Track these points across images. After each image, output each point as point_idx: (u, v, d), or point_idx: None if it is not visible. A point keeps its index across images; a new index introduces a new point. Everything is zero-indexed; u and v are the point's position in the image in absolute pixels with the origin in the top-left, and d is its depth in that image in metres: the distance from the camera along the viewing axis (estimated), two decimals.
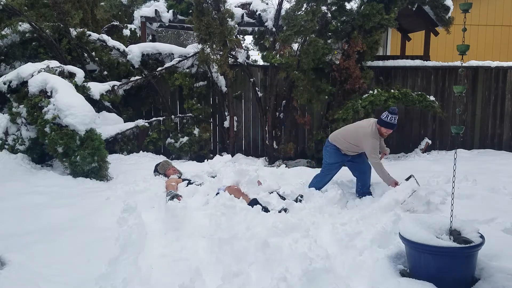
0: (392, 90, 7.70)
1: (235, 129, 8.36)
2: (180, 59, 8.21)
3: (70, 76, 6.74)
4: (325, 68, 7.84)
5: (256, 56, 9.46)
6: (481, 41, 12.29)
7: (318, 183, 5.23)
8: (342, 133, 5.18)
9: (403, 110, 8.57)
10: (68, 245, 3.49)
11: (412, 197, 4.35)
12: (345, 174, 5.49)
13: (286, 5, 7.98)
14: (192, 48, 8.28)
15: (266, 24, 8.28)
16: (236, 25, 7.85)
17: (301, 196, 4.83)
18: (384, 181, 4.90)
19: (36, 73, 6.21)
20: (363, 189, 5.11)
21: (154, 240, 3.77)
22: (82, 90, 6.73)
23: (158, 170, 6.06)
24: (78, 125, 5.64)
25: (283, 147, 8.08)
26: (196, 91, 8.24)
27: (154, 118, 8.24)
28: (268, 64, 8.00)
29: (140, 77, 8.10)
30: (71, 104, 5.72)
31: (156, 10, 8.73)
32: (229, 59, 7.88)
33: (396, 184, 4.71)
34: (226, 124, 8.38)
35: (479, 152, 8.38)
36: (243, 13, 8.60)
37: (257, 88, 8.26)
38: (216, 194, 4.71)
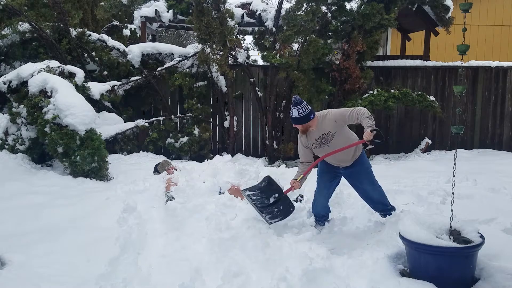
0: (392, 90, 7.71)
1: (235, 129, 8.36)
2: (180, 59, 8.21)
3: (70, 76, 6.74)
4: (325, 68, 7.85)
5: (256, 56, 9.47)
6: (481, 41, 12.28)
7: (313, 205, 4.19)
8: None
9: (403, 110, 8.57)
10: (68, 245, 3.49)
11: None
12: None
13: (286, 5, 7.99)
14: (192, 48, 8.28)
15: (266, 24, 8.28)
16: (236, 25, 7.85)
17: (301, 196, 4.82)
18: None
19: (36, 73, 6.20)
20: (378, 210, 4.12)
21: (154, 240, 3.77)
22: (82, 90, 6.73)
23: (158, 169, 6.06)
24: (78, 125, 5.63)
25: (283, 147, 8.08)
26: (196, 91, 8.24)
27: (154, 118, 8.24)
28: (268, 64, 8.01)
29: (140, 77, 8.10)
30: (71, 104, 5.72)
31: (156, 10, 8.72)
32: (229, 59, 7.89)
33: (292, 188, 3.93)
34: (226, 124, 8.38)
35: (479, 152, 8.39)
36: (243, 13, 8.60)
37: (257, 88, 8.26)
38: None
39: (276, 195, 3.92)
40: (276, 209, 3.91)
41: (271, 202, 3.91)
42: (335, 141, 3.76)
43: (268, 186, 3.99)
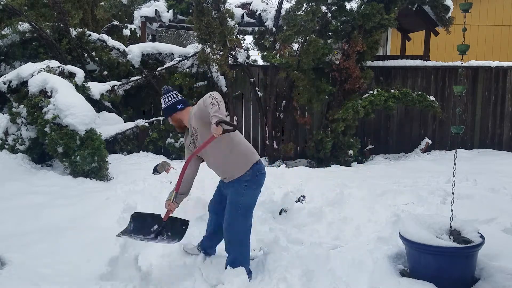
0: (392, 90, 7.71)
1: None
2: (180, 59, 8.21)
3: (70, 76, 6.73)
4: (325, 68, 7.85)
5: (256, 56, 9.47)
6: (481, 41, 12.29)
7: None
8: None
9: (403, 110, 8.58)
10: (68, 245, 3.48)
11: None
12: (346, 175, 5.48)
13: (286, 5, 8.00)
14: (192, 48, 8.28)
15: (266, 24, 8.28)
16: (236, 25, 7.84)
17: (303, 197, 4.83)
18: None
19: (36, 73, 6.20)
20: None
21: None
22: (82, 90, 6.72)
23: (158, 170, 6.07)
24: (78, 125, 5.63)
25: (283, 147, 8.08)
26: (196, 91, 8.24)
27: (154, 118, 8.24)
28: (268, 64, 8.01)
29: (140, 77, 8.10)
30: (71, 104, 5.72)
31: (156, 10, 8.73)
32: (229, 59, 7.88)
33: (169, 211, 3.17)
34: None
35: (479, 152, 8.39)
36: (243, 13, 8.61)
37: (257, 88, 8.26)
38: None
39: (156, 226, 3.20)
40: (165, 235, 3.22)
41: (156, 233, 3.20)
42: (200, 141, 2.99)
43: (139, 222, 3.22)
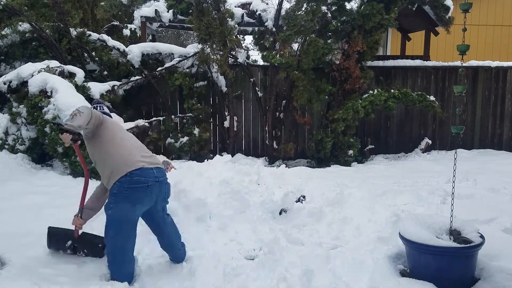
0: (392, 90, 7.72)
1: (235, 129, 8.36)
2: (180, 59, 8.20)
3: (70, 76, 6.74)
4: (325, 68, 7.85)
5: (256, 56, 9.46)
6: (481, 41, 12.29)
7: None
8: None
9: (403, 110, 8.58)
10: None
11: None
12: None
13: (286, 5, 7.99)
14: (192, 48, 8.28)
15: (266, 24, 8.28)
16: (236, 25, 7.84)
17: (303, 197, 4.83)
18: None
19: (36, 73, 6.21)
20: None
21: (154, 240, 3.76)
22: (82, 90, 6.72)
23: None
24: None
25: (283, 147, 8.08)
26: (196, 91, 8.24)
27: (154, 118, 8.23)
28: (268, 64, 8.01)
29: (140, 77, 8.09)
30: (71, 104, 5.73)
31: (156, 10, 8.72)
32: (229, 59, 7.88)
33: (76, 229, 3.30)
34: (226, 124, 8.38)
35: (479, 152, 8.39)
36: (243, 13, 8.61)
37: (257, 88, 8.26)
38: None
39: (69, 242, 3.31)
40: (82, 252, 3.34)
41: (71, 249, 3.32)
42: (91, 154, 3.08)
43: (55, 237, 3.31)
